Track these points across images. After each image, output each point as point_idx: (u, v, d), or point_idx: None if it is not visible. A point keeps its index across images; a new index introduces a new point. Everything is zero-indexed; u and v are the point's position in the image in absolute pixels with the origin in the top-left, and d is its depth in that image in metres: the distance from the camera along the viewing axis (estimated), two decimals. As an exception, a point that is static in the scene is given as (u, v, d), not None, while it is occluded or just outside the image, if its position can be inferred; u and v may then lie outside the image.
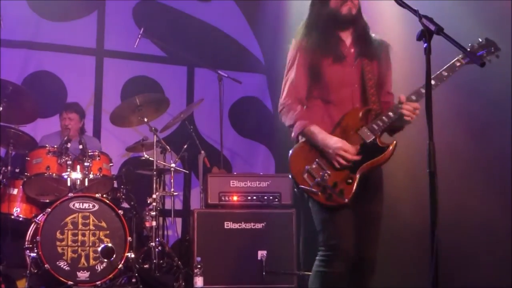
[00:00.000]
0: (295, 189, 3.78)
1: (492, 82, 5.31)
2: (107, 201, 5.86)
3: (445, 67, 3.61)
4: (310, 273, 3.78)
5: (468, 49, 3.62)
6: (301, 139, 3.73)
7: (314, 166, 3.63)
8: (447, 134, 5.30)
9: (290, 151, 3.76)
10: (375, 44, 3.83)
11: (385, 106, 3.76)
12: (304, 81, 3.79)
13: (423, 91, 3.52)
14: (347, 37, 3.82)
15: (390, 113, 3.62)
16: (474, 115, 5.68)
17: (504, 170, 5.60)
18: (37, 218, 5.82)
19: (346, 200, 3.55)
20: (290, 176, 3.75)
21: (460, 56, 3.60)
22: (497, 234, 5.53)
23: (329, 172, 3.59)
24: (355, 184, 3.58)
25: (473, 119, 5.70)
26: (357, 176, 3.59)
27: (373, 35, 3.85)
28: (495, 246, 5.55)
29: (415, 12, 3.11)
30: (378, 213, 3.76)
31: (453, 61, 3.61)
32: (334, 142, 3.59)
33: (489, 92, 5.41)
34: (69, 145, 6.14)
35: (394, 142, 3.63)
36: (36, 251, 5.57)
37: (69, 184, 6.00)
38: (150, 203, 6.41)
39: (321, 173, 3.59)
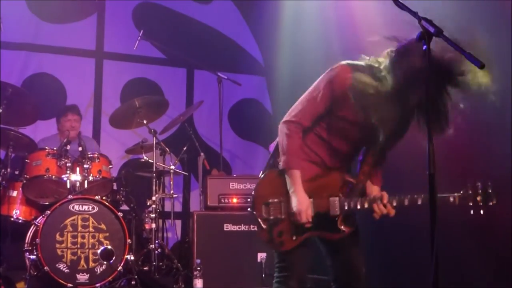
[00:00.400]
0: (249, 209, 3.74)
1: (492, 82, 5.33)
2: (107, 203, 5.86)
3: (440, 196, 3.42)
4: (313, 276, 3.81)
5: (470, 190, 3.50)
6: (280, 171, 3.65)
7: (276, 201, 3.60)
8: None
9: (263, 174, 3.73)
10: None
11: (374, 178, 3.70)
12: (321, 112, 3.58)
13: (406, 203, 3.49)
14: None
15: (365, 204, 3.53)
16: (473, 115, 5.70)
17: (504, 170, 5.62)
18: (37, 220, 5.82)
19: (282, 250, 3.58)
20: (250, 196, 3.75)
21: (457, 195, 3.49)
22: (496, 235, 5.55)
23: (283, 217, 3.56)
24: (298, 243, 3.56)
25: (472, 119, 5.72)
26: (304, 237, 3.56)
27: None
28: (494, 247, 5.57)
29: (414, 14, 3.10)
30: (358, 251, 3.72)
31: (449, 196, 3.50)
32: (299, 201, 3.50)
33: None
34: (68, 147, 6.14)
35: (349, 230, 3.58)
36: (35, 253, 5.57)
37: (68, 186, 6.01)
38: (150, 205, 6.42)
39: (275, 214, 3.58)
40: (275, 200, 3.59)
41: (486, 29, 5.46)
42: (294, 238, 3.56)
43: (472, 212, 3.44)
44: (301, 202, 3.50)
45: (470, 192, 3.45)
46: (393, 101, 3.32)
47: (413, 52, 3.21)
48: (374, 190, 3.63)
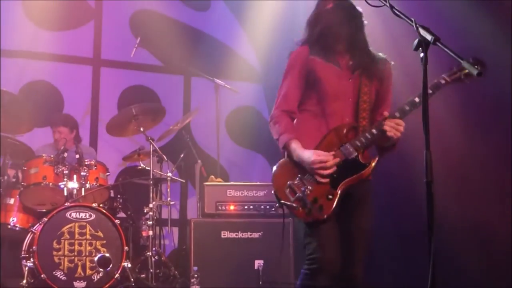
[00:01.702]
0: (277, 204, 3.75)
1: (493, 83, 5.34)
2: (104, 211, 5.86)
3: (430, 85, 3.55)
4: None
5: (454, 69, 3.62)
6: (286, 154, 3.73)
7: (296, 181, 3.62)
8: (444, 136, 5.34)
9: (274, 167, 3.77)
10: (376, 62, 3.81)
11: (375, 120, 3.76)
12: (298, 91, 3.81)
13: (408, 108, 3.59)
14: (347, 51, 3.83)
15: (374, 130, 3.61)
16: (473, 116, 5.72)
17: (502, 171, 5.64)
18: (34, 228, 5.81)
19: (325, 216, 3.54)
20: (272, 192, 3.74)
21: (445, 74, 3.61)
22: (494, 236, 5.57)
23: (310, 188, 3.58)
24: (336, 200, 3.56)
25: (471, 120, 5.73)
26: (338, 191, 3.58)
27: (378, 53, 3.85)
28: (492, 249, 5.59)
29: (411, 21, 3.13)
30: (364, 230, 3.72)
31: (440, 80, 3.61)
32: (307, 157, 3.58)
33: (489, 93, 5.46)
34: (65, 154, 6.16)
35: (376, 158, 3.65)
36: (32, 260, 5.56)
37: (65, 194, 6.01)
38: (147, 213, 6.40)
39: (302, 188, 3.59)
40: (295, 181, 3.63)
41: (486, 29, 5.51)
42: (330, 196, 3.57)
43: (466, 81, 3.58)
44: (309, 156, 3.57)
45: (455, 69, 3.60)
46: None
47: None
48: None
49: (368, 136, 3.61)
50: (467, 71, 3.52)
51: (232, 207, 6.40)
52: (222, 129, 8.30)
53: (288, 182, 3.64)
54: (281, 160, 3.76)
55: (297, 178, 3.63)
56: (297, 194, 3.60)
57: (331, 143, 3.65)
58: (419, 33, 2.98)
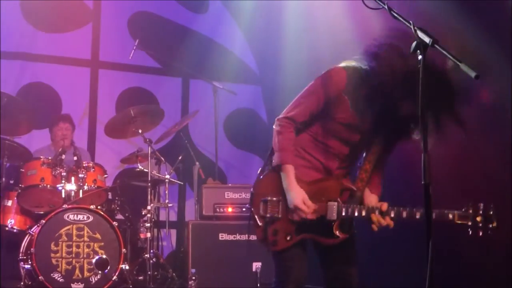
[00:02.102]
0: (247, 205, 3.74)
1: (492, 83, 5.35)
2: (102, 213, 5.87)
3: (437, 211, 3.42)
4: (308, 286, 3.80)
5: (469, 211, 3.47)
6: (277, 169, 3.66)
7: (274, 199, 3.58)
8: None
9: (262, 174, 3.72)
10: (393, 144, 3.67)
11: (373, 181, 3.69)
12: (314, 112, 3.63)
13: (405, 216, 3.47)
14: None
15: (363, 212, 3.52)
16: (472, 117, 5.73)
17: (501, 171, 5.65)
18: (32, 230, 5.82)
19: (272, 250, 3.57)
20: (250, 193, 3.73)
21: (456, 213, 3.44)
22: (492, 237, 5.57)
23: (280, 216, 3.55)
24: (290, 244, 3.55)
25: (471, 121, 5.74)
26: (298, 238, 3.55)
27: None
28: (490, 249, 5.59)
29: (409, 24, 3.12)
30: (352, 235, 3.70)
31: (448, 213, 3.46)
32: (294, 196, 3.50)
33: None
34: (63, 156, 6.15)
35: (344, 236, 3.56)
36: (30, 263, 5.58)
37: (63, 196, 6.02)
38: (145, 215, 6.39)
39: (272, 212, 3.56)
40: (274, 198, 3.58)
41: (486, 29, 5.49)
42: (288, 238, 3.54)
43: (470, 232, 3.40)
44: (296, 197, 3.50)
45: (470, 211, 3.41)
46: (384, 105, 3.35)
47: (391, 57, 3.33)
48: (372, 199, 3.61)
49: (355, 213, 3.51)
50: (475, 223, 3.40)
51: (230, 209, 6.43)
52: (220, 131, 8.29)
53: (268, 197, 3.58)
54: (272, 171, 3.67)
55: (275, 199, 3.57)
56: (266, 214, 3.59)
57: (324, 190, 3.58)
58: (417, 35, 2.95)
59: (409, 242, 5.63)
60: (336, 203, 3.53)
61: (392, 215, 3.49)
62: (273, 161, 3.66)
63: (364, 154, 3.69)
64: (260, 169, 3.79)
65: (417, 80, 2.91)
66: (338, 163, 3.66)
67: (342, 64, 3.60)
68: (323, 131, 3.65)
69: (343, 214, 3.52)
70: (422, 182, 2.85)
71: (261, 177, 3.72)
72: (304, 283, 3.65)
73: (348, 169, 3.71)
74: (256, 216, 3.59)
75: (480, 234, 3.25)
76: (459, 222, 3.42)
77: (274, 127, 3.73)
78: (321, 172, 3.65)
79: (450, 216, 3.43)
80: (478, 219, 3.39)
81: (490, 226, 3.37)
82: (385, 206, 3.50)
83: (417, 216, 3.44)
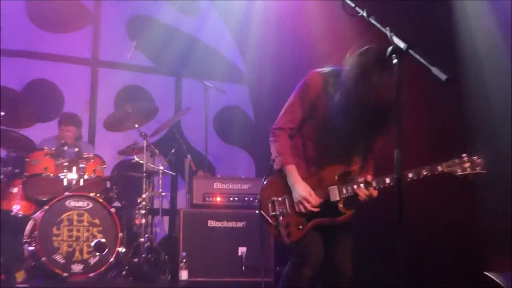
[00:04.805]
0: (257, 211, 3.80)
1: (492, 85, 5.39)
2: (101, 200, 5.91)
3: (427, 167, 3.56)
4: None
5: (456, 161, 3.56)
6: (278, 172, 3.74)
7: (280, 199, 3.67)
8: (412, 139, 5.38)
9: (266, 181, 3.80)
10: (378, 131, 3.66)
11: (366, 166, 3.77)
12: (301, 115, 3.73)
13: (388, 180, 3.56)
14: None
15: (355, 186, 3.61)
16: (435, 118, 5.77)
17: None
18: (35, 215, 5.85)
19: (289, 242, 3.61)
20: (258, 197, 3.79)
21: (445, 165, 3.55)
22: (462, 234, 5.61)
23: (288, 211, 3.64)
24: (304, 232, 3.62)
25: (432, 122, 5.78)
26: (309, 225, 3.62)
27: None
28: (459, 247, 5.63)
29: (385, 29, 3.15)
30: (349, 231, 3.78)
31: (437, 166, 3.56)
32: (301, 189, 3.60)
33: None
34: (66, 148, 6.18)
35: (353, 211, 3.66)
36: (33, 245, 5.61)
37: (65, 184, 6.04)
38: (140, 202, 6.44)
39: (281, 209, 3.65)
40: (279, 198, 3.67)
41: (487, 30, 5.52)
42: (300, 227, 3.63)
43: (461, 176, 3.51)
44: (303, 190, 3.60)
45: (457, 161, 3.52)
46: (359, 99, 3.44)
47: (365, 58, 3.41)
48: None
49: (350, 189, 3.61)
50: (463, 169, 3.51)
51: (218, 199, 6.44)
52: (210, 127, 8.33)
53: (273, 198, 3.68)
54: (274, 176, 3.77)
55: (282, 197, 3.67)
56: (275, 212, 3.67)
57: (323, 180, 3.67)
58: (392, 41, 2.96)
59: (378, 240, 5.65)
60: (335, 186, 3.64)
61: (374, 184, 3.59)
62: (276, 166, 3.74)
63: (353, 146, 3.73)
64: (263, 179, 3.85)
65: (382, 76, 3.16)
66: (334, 156, 3.72)
67: (318, 70, 3.71)
68: (312, 131, 3.74)
69: (344, 192, 3.62)
70: (395, 176, 2.93)
71: (264, 183, 3.80)
72: (319, 264, 3.68)
73: (344, 159, 3.75)
74: (267, 217, 3.67)
75: (471, 179, 3.34)
76: (448, 170, 3.52)
77: (270, 139, 3.82)
78: (317, 165, 3.73)
79: (439, 168, 3.54)
80: (466, 165, 3.50)
81: (477, 169, 3.49)
82: (369, 177, 3.62)
83: (387, 180, 3.56)
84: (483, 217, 5.81)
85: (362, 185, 3.60)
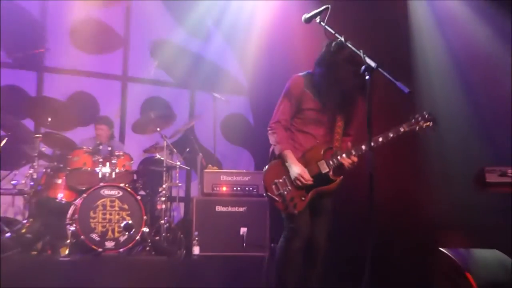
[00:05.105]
0: (264, 194, 3.81)
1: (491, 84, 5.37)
2: (129, 189, 5.90)
3: (392, 129, 3.63)
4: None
5: (412, 120, 3.65)
6: (277, 158, 3.77)
7: (281, 180, 3.68)
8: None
9: (267, 166, 3.81)
10: (349, 103, 3.75)
11: (343, 144, 3.79)
12: (291, 112, 3.80)
13: (364, 147, 3.61)
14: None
15: (338, 157, 3.66)
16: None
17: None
18: (76, 201, 5.85)
19: (297, 212, 3.63)
20: (262, 182, 3.80)
21: (405, 125, 3.63)
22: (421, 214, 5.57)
23: (290, 188, 3.65)
24: (307, 201, 3.64)
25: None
26: (309, 195, 3.65)
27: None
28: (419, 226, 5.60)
29: (359, 51, 3.16)
30: (328, 211, 3.81)
31: (399, 127, 3.64)
32: (296, 168, 3.63)
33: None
34: (101, 147, 6.20)
35: (341, 177, 3.70)
36: (74, 226, 5.62)
37: (100, 176, 6.05)
38: (161, 191, 6.44)
39: (284, 188, 3.66)
40: (280, 180, 3.68)
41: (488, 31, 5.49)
42: (303, 198, 3.64)
43: (420, 131, 3.59)
44: (298, 169, 3.63)
45: (413, 120, 3.62)
46: (334, 90, 3.62)
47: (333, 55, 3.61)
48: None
49: (335, 160, 3.66)
50: (420, 126, 3.59)
51: (224, 189, 6.41)
52: (217, 130, 8.26)
53: (275, 180, 3.69)
54: (272, 162, 3.78)
55: (282, 178, 3.68)
56: (280, 191, 3.66)
57: (311, 158, 3.70)
58: (365, 61, 3.01)
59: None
60: (323, 160, 3.68)
61: (353, 152, 3.65)
62: (276, 151, 3.76)
63: (332, 128, 3.79)
64: (264, 168, 3.86)
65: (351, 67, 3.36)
66: (319, 138, 3.79)
67: (299, 73, 3.86)
68: (300, 122, 3.80)
69: (331, 164, 3.67)
70: (368, 170, 2.92)
71: (265, 169, 3.82)
72: (307, 237, 3.70)
73: (324, 141, 3.80)
74: (273, 197, 3.66)
75: (434, 131, 3.38)
76: (409, 129, 3.62)
77: (268, 131, 3.86)
78: (306, 148, 3.78)
79: (402, 129, 3.63)
80: (421, 122, 3.60)
81: (432, 124, 3.58)
82: (349, 144, 3.73)
83: (363, 148, 3.62)
84: (437, 200, 5.80)
85: (344, 155, 3.64)
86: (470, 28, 6.18)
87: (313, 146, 3.75)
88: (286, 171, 3.68)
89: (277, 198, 3.66)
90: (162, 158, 6.60)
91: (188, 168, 7.35)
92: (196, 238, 5.98)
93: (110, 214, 5.76)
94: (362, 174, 3.01)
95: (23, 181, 6.12)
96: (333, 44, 3.59)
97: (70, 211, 5.86)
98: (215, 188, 6.42)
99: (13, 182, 6.06)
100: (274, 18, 7.61)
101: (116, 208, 5.80)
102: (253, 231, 6.15)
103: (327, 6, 3.44)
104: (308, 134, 3.77)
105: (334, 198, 3.83)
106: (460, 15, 6.34)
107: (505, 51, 5.76)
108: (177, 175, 6.80)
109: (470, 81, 6.07)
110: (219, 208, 6.23)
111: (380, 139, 3.59)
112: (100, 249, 5.57)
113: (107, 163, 6.10)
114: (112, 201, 5.80)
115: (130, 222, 5.76)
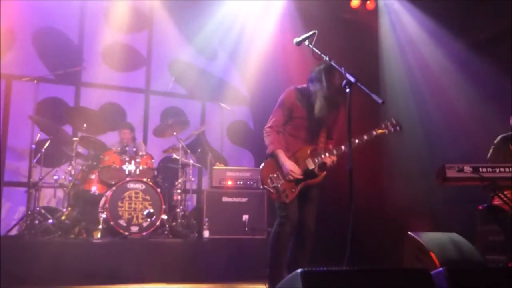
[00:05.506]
0: (260, 186, 3.83)
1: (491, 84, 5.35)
2: (151, 184, 5.90)
3: (366, 133, 3.63)
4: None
5: (383, 125, 3.68)
6: (271, 156, 3.76)
7: (275, 175, 3.67)
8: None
9: (263, 163, 3.80)
10: (332, 113, 3.75)
11: (327, 145, 3.78)
12: (283, 119, 3.80)
13: (343, 147, 3.60)
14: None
15: (322, 156, 3.66)
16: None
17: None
18: (106, 193, 5.86)
19: (288, 201, 3.63)
20: (259, 176, 3.79)
21: (376, 130, 3.65)
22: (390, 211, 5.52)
23: (282, 182, 3.64)
24: (296, 193, 3.64)
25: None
26: (298, 187, 3.65)
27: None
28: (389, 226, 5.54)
29: (341, 68, 3.16)
30: (315, 198, 3.79)
31: (372, 131, 3.65)
32: (288, 165, 3.63)
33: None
34: (127, 148, 6.20)
35: (325, 172, 3.70)
36: (105, 213, 5.63)
37: (126, 173, 6.04)
38: (177, 185, 6.43)
39: (277, 181, 3.65)
40: (274, 174, 3.67)
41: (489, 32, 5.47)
42: (293, 190, 3.63)
43: (388, 133, 3.63)
44: (289, 165, 3.63)
45: (383, 126, 3.69)
46: (323, 102, 3.63)
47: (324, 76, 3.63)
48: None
49: (319, 159, 3.66)
50: (389, 130, 3.65)
51: (229, 182, 6.43)
52: (224, 134, 8.32)
53: (270, 175, 3.68)
54: (267, 160, 3.77)
55: (276, 174, 3.67)
56: (274, 184, 3.65)
57: (300, 157, 3.69)
58: (345, 76, 3.02)
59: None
60: (310, 158, 3.68)
61: (335, 152, 3.65)
62: (268, 151, 3.75)
63: (317, 133, 3.77)
64: (261, 165, 3.84)
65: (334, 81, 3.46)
66: (306, 141, 3.76)
67: (292, 87, 3.84)
68: (291, 128, 3.79)
69: (316, 161, 3.66)
70: (348, 167, 2.92)
71: (261, 166, 3.80)
72: (296, 222, 3.68)
73: (310, 144, 3.77)
74: (269, 189, 3.66)
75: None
76: (379, 133, 3.66)
77: (264, 134, 3.85)
78: (295, 149, 3.76)
79: (374, 132, 3.66)
80: (389, 127, 3.68)
81: (398, 128, 3.66)
82: (331, 146, 3.74)
83: (343, 148, 3.61)
84: (406, 192, 5.78)
85: (327, 154, 3.66)
86: (425, 50, 6.28)
87: (301, 147, 3.75)
88: (279, 167, 3.67)
89: (272, 190, 3.66)
90: (178, 157, 6.59)
91: (200, 165, 7.34)
92: (206, 224, 5.99)
93: (135, 204, 5.76)
94: (343, 170, 3.03)
95: (63, 177, 6.12)
96: (323, 66, 3.64)
97: (102, 201, 5.85)
98: (222, 182, 6.42)
99: (55, 177, 6.05)
100: (271, 39, 7.64)
101: (140, 199, 5.79)
102: (253, 217, 6.16)
103: (314, 31, 3.48)
104: (297, 137, 3.78)
105: (320, 189, 3.81)
106: (419, 39, 6.42)
107: (452, 67, 5.85)
108: (191, 171, 6.79)
109: (423, 92, 6.17)
110: (225, 199, 6.24)
111: (357, 141, 3.59)
112: (126, 233, 5.57)
113: (133, 162, 6.09)
114: (136, 193, 5.79)
115: (151, 210, 5.76)
